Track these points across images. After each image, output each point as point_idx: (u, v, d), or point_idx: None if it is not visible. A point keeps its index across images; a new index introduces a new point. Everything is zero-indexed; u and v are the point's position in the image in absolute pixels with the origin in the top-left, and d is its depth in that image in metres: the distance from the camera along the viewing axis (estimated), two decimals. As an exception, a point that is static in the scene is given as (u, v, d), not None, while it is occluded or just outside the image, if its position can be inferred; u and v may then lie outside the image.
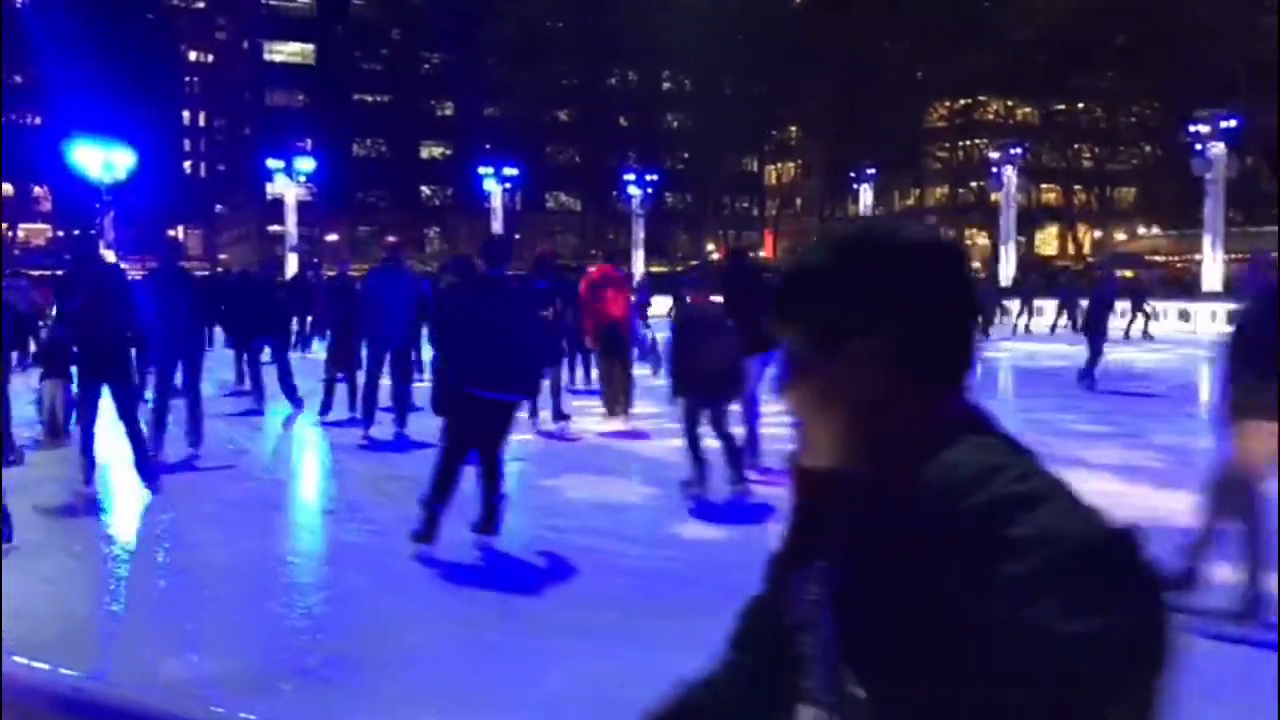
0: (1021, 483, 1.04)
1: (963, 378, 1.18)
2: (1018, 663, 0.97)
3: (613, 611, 5.48)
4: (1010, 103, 70.54)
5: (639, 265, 51.30)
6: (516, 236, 60.51)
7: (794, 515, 1.26)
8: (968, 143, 69.21)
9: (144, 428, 8.71)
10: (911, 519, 1.06)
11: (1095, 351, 15.77)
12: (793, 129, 76.59)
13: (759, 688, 1.27)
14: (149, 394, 10.27)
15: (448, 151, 73.79)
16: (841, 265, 1.18)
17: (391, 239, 12.71)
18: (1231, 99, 41.37)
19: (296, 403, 12.77)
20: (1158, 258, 48.04)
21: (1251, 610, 5.05)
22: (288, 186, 46.80)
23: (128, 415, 8.35)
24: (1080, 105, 66.36)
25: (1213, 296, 31.66)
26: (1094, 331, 16.12)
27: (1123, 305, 28.42)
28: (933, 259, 1.17)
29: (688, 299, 8.73)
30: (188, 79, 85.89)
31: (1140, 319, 26.80)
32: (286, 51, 74.67)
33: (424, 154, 76.15)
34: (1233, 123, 35.89)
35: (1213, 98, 39.54)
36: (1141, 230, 63.22)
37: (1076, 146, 71.12)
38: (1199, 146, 35.95)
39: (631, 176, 52.80)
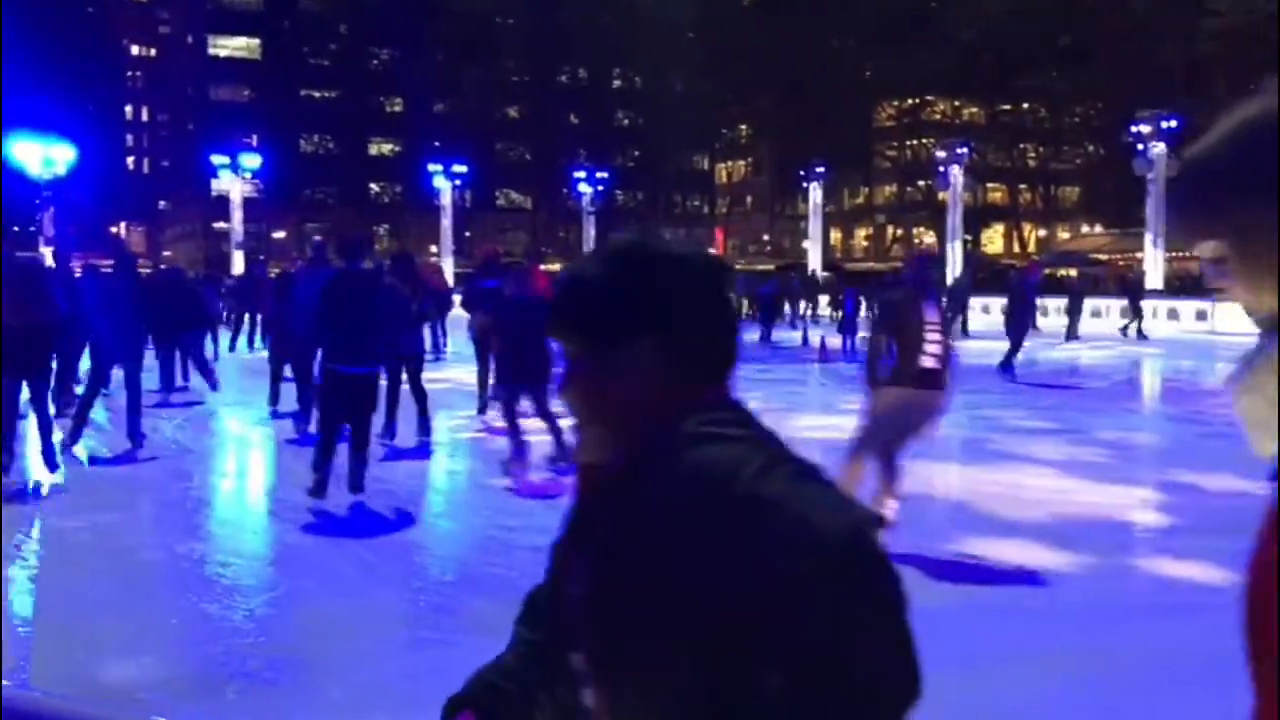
0: (763, 479, 1.12)
1: (725, 378, 1.28)
2: (758, 652, 1.07)
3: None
4: (957, 103, 71.31)
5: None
6: (467, 234, 60.29)
7: (573, 506, 1.34)
8: (915, 142, 69.86)
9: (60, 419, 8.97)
10: (660, 512, 1.16)
11: (1014, 345, 16.68)
12: (743, 127, 76.92)
13: (545, 664, 1.35)
14: (79, 389, 10.30)
15: (397, 148, 73.26)
16: (611, 275, 1.27)
17: (319, 238, 12.93)
18: (1172, 99, 42.13)
19: (213, 383, 13.56)
20: (1101, 256, 48.74)
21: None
22: (233, 183, 46.26)
23: (40, 406, 8.56)
24: (1025, 105, 67.23)
25: (1155, 294, 32.22)
26: (1011, 326, 17.00)
27: (1116, 304, 28.93)
28: (695, 271, 1.28)
29: (506, 291, 9.50)
30: (130, 73, 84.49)
31: (1135, 320, 27.18)
32: (232, 46, 73.65)
33: (373, 151, 75.52)
34: (1173, 123, 36.52)
35: (1154, 98, 40.24)
36: (1085, 229, 64.17)
37: (1022, 146, 72.05)
38: (1140, 146, 36.55)
39: (582, 174, 52.77)
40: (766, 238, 75.64)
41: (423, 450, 10.07)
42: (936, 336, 6.31)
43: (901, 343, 6.29)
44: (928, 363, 6.25)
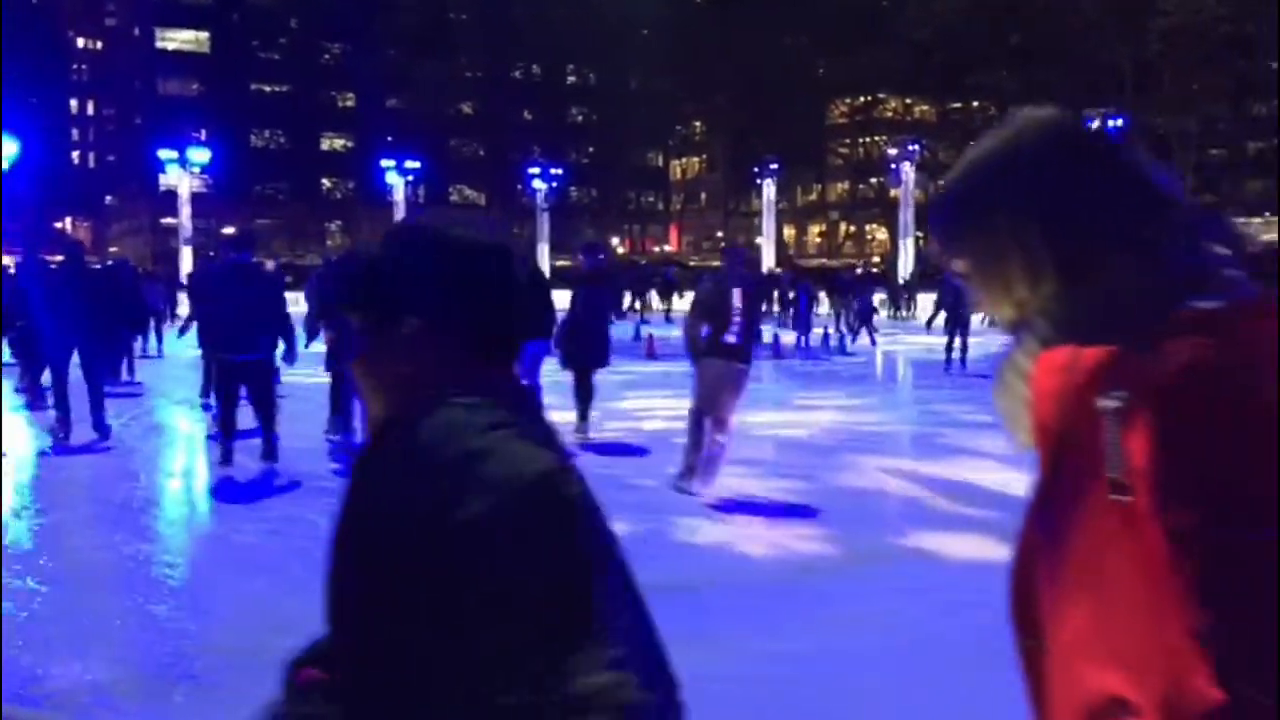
0: (477, 438, 1.21)
1: (505, 359, 1.36)
2: (468, 598, 1.15)
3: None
4: (909, 101, 71.90)
5: (544, 260, 51.14)
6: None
7: None
8: (868, 139, 70.38)
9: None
10: (378, 476, 1.26)
11: (949, 341, 17.28)
12: (697, 124, 77.05)
13: None
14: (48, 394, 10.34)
15: (349, 144, 72.61)
16: (390, 256, 1.34)
17: (226, 232, 13.14)
18: (1120, 98, 42.75)
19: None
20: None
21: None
22: (181, 178, 45.57)
23: None
24: (975, 104, 67.89)
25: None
26: (951, 321, 17.46)
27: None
28: (473, 256, 1.33)
29: None
30: (75, 66, 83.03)
31: None
32: (180, 39, 72.58)
33: (324, 146, 74.79)
34: (1121, 122, 37.08)
35: (1102, 97, 40.81)
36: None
37: (972, 144, 72.51)
38: (1089, 145, 37.06)
39: (536, 170, 52.65)
40: (720, 234, 75.83)
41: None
42: (739, 319, 7.76)
43: (713, 324, 7.76)
44: (731, 339, 7.75)
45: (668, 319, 31.12)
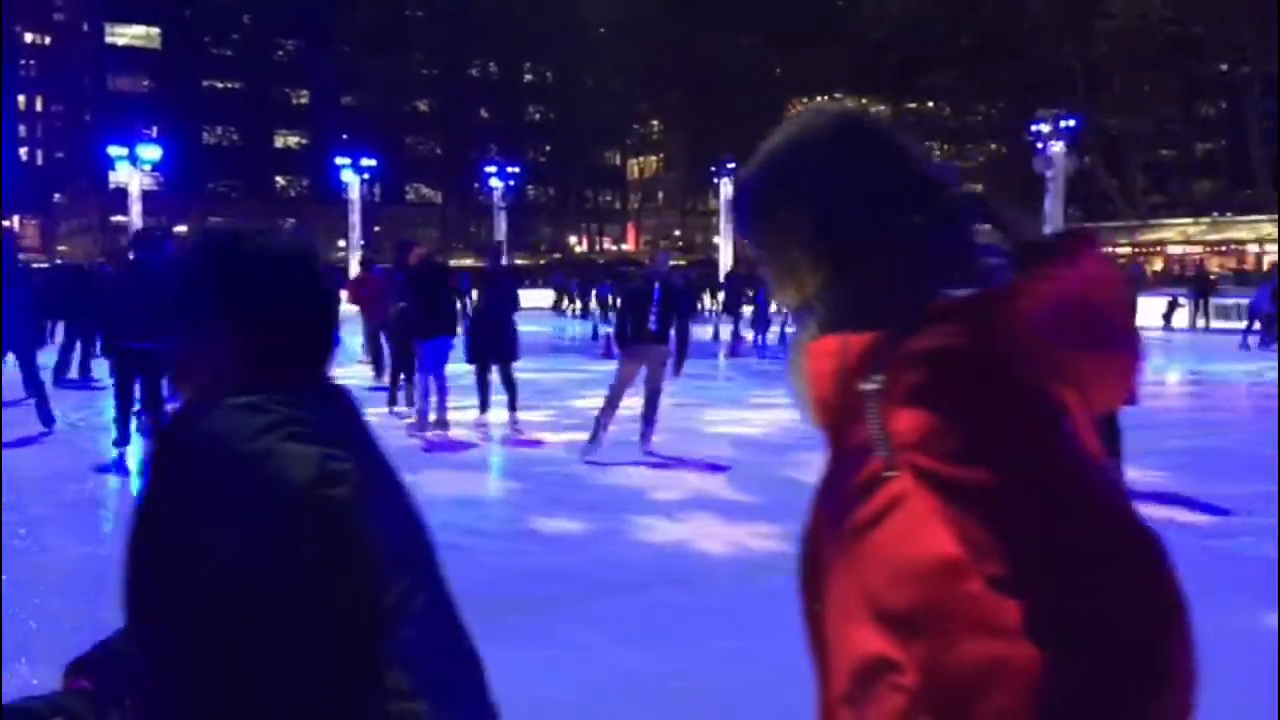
0: (252, 441, 1.24)
1: (314, 363, 1.40)
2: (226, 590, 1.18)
3: (473, 610, 5.39)
4: (865, 100, 72.21)
5: (502, 259, 50.85)
6: (376, 229, 59.43)
7: None
8: (824, 139, 70.68)
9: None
10: (155, 477, 1.28)
11: None
12: (654, 123, 77.08)
13: None
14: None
15: (303, 141, 71.95)
16: (195, 264, 1.40)
17: (135, 230, 13.51)
18: (1071, 99, 43.26)
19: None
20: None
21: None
22: (132, 175, 44.89)
23: None
24: (930, 104, 68.51)
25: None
26: None
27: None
28: (274, 263, 1.38)
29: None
30: (23, 62, 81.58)
31: None
32: (130, 34, 71.55)
33: (278, 143, 74.05)
34: (1072, 122, 37.49)
35: (1053, 98, 41.26)
36: (988, 225, 65.56)
37: (928, 144, 73.22)
38: (1040, 145, 37.48)
39: (493, 169, 52.38)
40: (678, 233, 75.97)
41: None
42: (657, 309, 9.30)
43: (638, 315, 9.37)
44: (652, 327, 9.35)
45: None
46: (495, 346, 10.99)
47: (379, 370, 13.97)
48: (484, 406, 11.19)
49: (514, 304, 11.48)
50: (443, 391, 10.80)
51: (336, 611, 1.19)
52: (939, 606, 1.19)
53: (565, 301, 42.21)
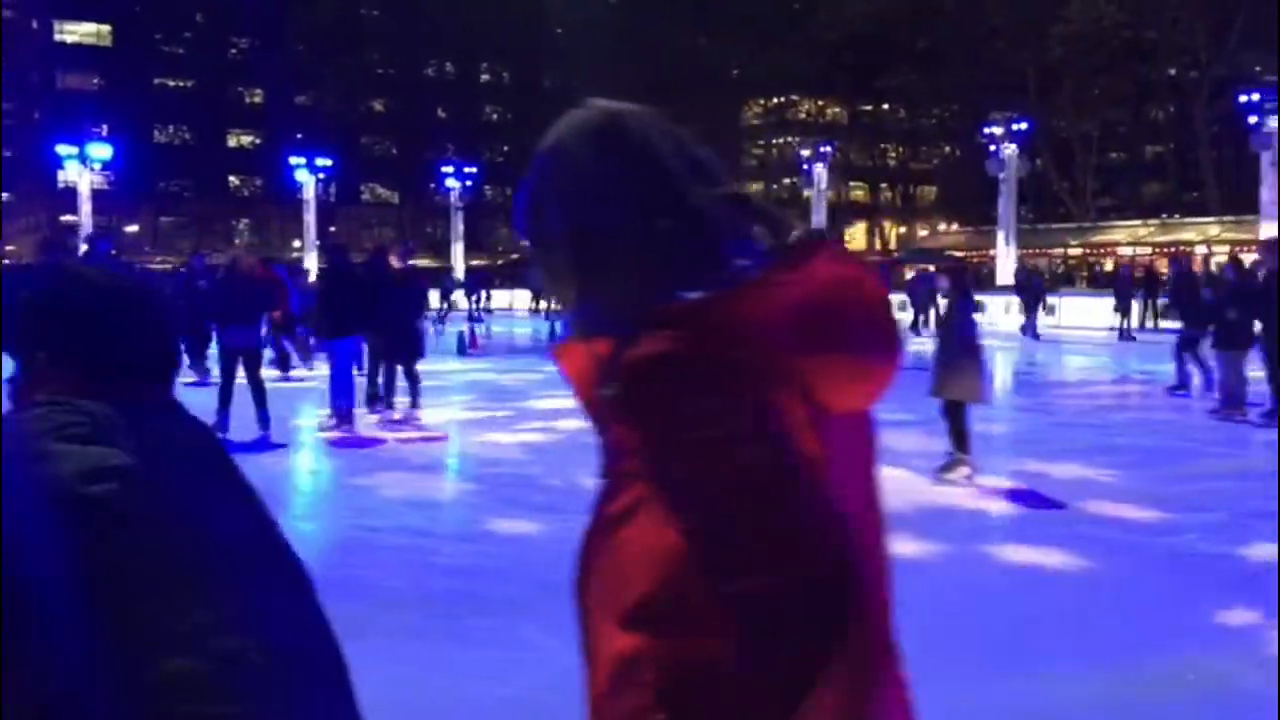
0: (36, 441, 1.36)
1: (150, 379, 1.54)
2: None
3: (431, 611, 5.37)
4: (821, 102, 72.81)
5: (459, 259, 50.75)
6: (331, 229, 58.96)
7: None
8: (781, 140, 71.09)
9: None
10: None
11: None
12: (612, 124, 76.99)
13: None
14: None
15: (257, 140, 71.15)
16: (23, 299, 1.53)
17: (43, 236, 13.24)
18: (1023, 102, 43.75)
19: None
20: (958, 253, 50.41)
21: None
22: (82, 174, 44.25)
23: None
24: (886, 106, 69.06)
25: (1005, 289, 33.45)
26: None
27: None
28: (90, 296, 1.52)
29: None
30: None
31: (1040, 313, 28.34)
32: (80, 32, 70.46)
33: (232, 143, 73.18)
34: (1024, 125, 37.93)
35: (1006, 101, 41.72)
36: (943, 227, 66.27)
37: (883, 146, 73.94)
38: (993, 148, 37.89)
39: (450, 169, 52.18)
40: (636, 234, 76.04)
41: (263, 444, 9.99)
42: None
43: None
44: None
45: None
46: (401, 345, 11.42)
47: (284, 365, 15.69)
48: (389, 404, 11.64)
49: (421, 304, 12.15)
50: (348, 386, 11.29)
51: (84, 602, 1.28)
52: (675, 604, 1.24)
53: (541, 302, 42.12)
